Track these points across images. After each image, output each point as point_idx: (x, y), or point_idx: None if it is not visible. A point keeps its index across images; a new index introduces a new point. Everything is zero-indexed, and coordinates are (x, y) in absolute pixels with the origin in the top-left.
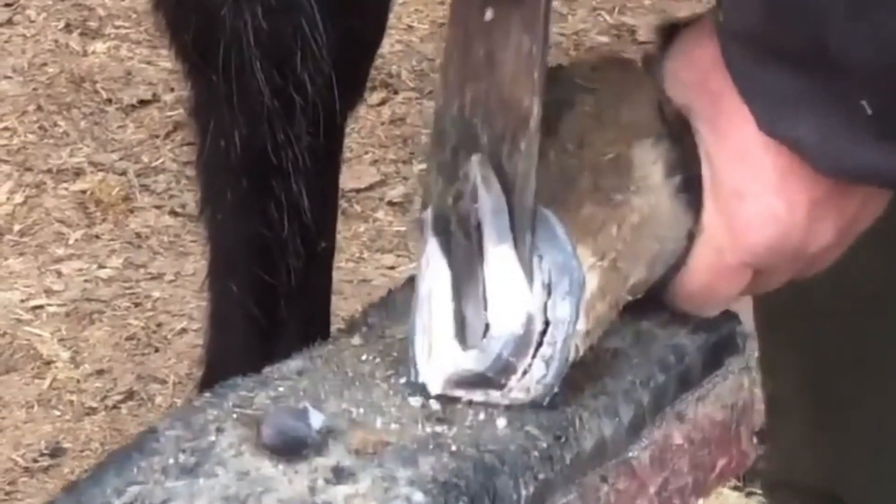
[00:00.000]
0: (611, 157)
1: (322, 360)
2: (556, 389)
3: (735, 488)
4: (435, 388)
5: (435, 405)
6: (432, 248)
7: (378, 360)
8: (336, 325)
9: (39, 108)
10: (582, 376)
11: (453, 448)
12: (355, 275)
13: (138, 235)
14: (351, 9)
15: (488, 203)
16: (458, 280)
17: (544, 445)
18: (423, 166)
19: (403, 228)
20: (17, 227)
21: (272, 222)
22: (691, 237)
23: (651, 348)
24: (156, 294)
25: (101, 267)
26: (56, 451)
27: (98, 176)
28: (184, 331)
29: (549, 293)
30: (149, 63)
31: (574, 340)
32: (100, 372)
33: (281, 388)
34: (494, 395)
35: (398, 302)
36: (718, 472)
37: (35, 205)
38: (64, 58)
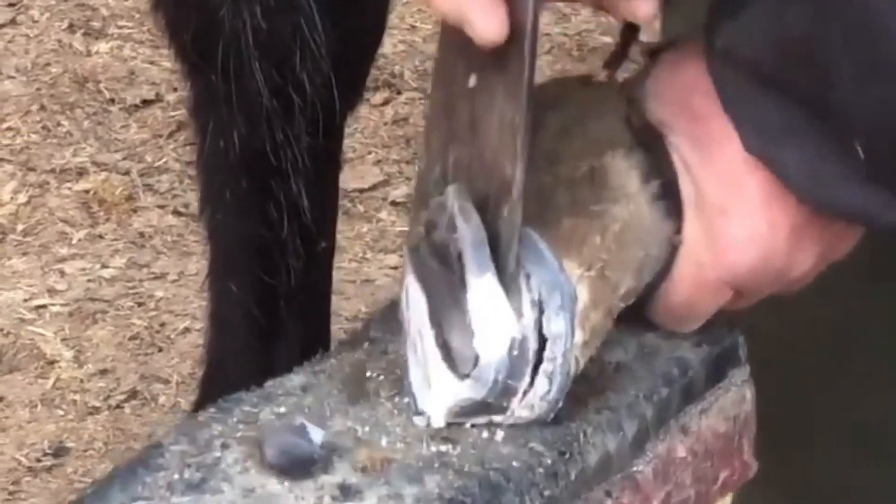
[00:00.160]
0: (584, 171)
1: (325, 375)
2: (560, 404)
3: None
4: (438, 421)
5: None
6: (411, 282)
7: (381, 377)
8: (338, 325)
9: (43, 107)
10: (585, 391)
11: (458, 466)
12: (358, 275)
13: (142, 235)
14: (350, 9)
15: (468, 234)
16: (439, 311)
17: (549, 462)
18: None
19: (406, 228)
20: (20, 227)
21: (272, 222)
22: (673, 249)
23: (654, 362)
24: (159, 294)
25: (104, 266)
26: (59, 451)
27: (101, 176)
28: (187, 330)
29: (542, 310)
30: (152, 63)
31: (573, 353)
32: (103, 371)
33: (285, 405)
34: (498, 419)
35: (400, 313)
36: (721, 484)
37: (38, 204)
38: (67, 58)
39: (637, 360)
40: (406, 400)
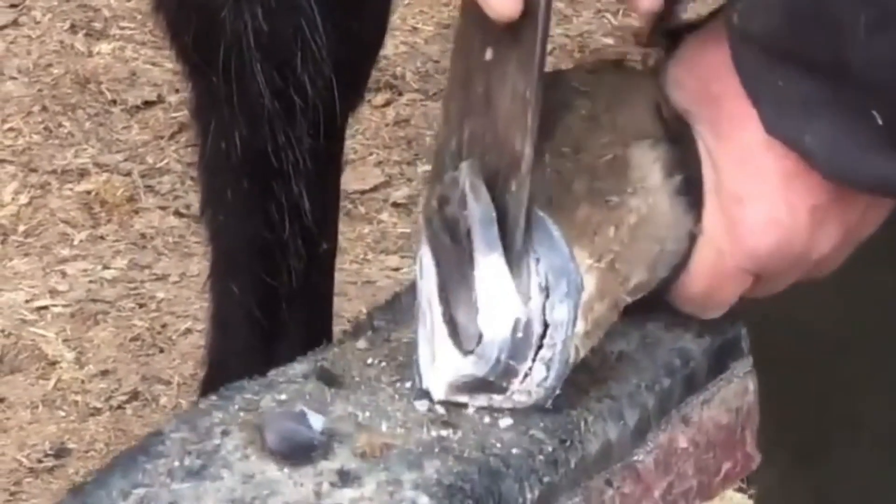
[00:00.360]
0: (607, 160)
1: (328, 363)
2: (558, 391)
3: (739, 490)
4: (438, 395)
5: (440, 409)
6: (425, 253)
7: (384, 364)
8: (340, 326)
9: (44, 108)
10: (587, 380)
11: (458, 452)
12: (359, 276)
13: (143, 236)
14: (351, 10)
15: (476, 212)
16: (447, 284)
17: (549, 449)
18: (428, 168)
19: (408, 230)
20: (21, 228)
21: (273, 224)
22: (693, 238)
23: (657, 352)
24: (160, 295)
25: (105, 268)
26: (61, 452)
27: (103, 177)
28: (188, 331)
29: (547, 296)
30: (154, 64)
31: (573, 342)
32: (104, 372)
33: (286, 392)
34: (497, 399)
35: (404, 304)
36: (723, 475)
37: (40, 205)
38: (69, 59)
39: (639, 350)
40: (408, 385)
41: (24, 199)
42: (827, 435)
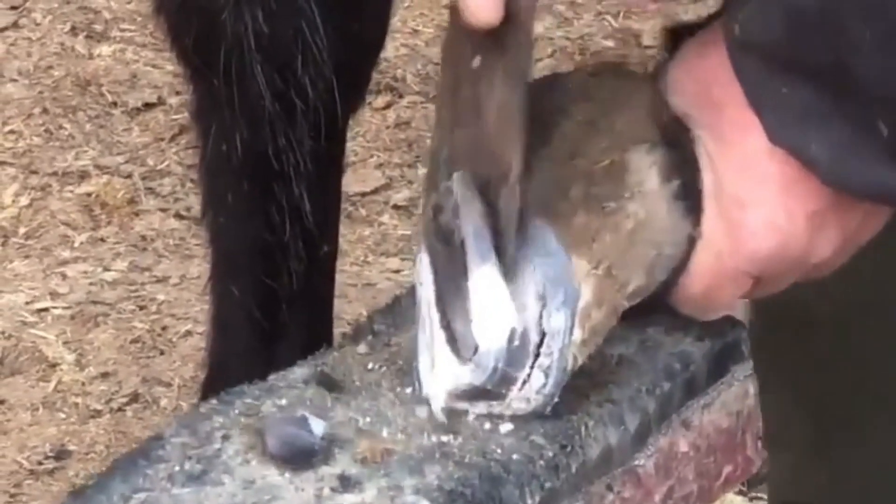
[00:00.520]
0: (604, 165)
1: (328, 368)
2: (556, 399)
3: (740, 493)
4: (438, 403)
5: (441, 415)
6: (423, 259)
7: (384, 369)
8: (340, 328)
9: (45, 111)
10: (587, 384)
11: (459, 457)
12: (360, 278)
13: (143, 238)
14: (352, 12)
15: (468, 224)
16: (444, 293)
17: (550, 454)
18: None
19: (408, 232)
20: (22, 230)
21: (274, 226)
22: (691, 242)
23: (657, 356)
24: (161, 297)
25: (106, 270)
26: (61, 454)
27: (103, 179)
28: (189, 334)
29: (544, 304)
30: (154, 66)
31: (571, 350)
32: (105, 374)
33: (287, 397)
34: (496, 407)
35: (404, 308)
36: (724, 479)
37: (40, 207)
38: (69, 61)
39: (639, 354)
40: (409, 390)
41: (24, 201)
42: (851, 418)
